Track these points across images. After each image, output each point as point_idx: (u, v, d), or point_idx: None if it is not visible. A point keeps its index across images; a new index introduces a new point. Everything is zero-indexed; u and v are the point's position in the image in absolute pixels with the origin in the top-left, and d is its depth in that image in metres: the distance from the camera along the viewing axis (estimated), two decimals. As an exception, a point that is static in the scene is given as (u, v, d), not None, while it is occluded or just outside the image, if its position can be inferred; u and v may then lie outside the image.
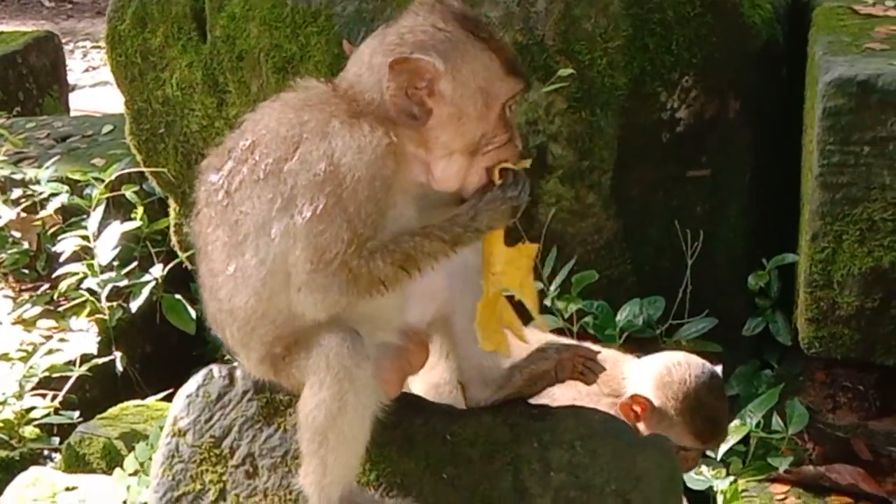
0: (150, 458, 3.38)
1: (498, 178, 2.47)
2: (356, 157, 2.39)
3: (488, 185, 2.49)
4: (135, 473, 3.35)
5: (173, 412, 2.60)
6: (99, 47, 11.71)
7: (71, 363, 4.72)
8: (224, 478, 2.51)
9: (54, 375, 4.60)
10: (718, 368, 3.38)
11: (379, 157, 2.40)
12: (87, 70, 10.95)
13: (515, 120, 2.58)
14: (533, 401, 2.70)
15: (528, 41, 4.22)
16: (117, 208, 5.41)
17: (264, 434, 2.55)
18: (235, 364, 2.68)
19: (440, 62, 2.40)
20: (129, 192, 5.27)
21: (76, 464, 4.09)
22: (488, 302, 2.49)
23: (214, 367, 2.64)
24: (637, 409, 3.24)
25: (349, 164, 2.39)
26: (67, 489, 3.57)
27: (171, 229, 5.40)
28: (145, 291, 5.17)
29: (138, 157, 5.26)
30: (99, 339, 5.08)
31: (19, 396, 4.42)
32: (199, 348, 5.50)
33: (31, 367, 4.52)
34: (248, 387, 2.60)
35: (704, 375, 3.29)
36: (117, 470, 3.43)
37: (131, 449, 4.03)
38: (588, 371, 2.65)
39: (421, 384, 3.03)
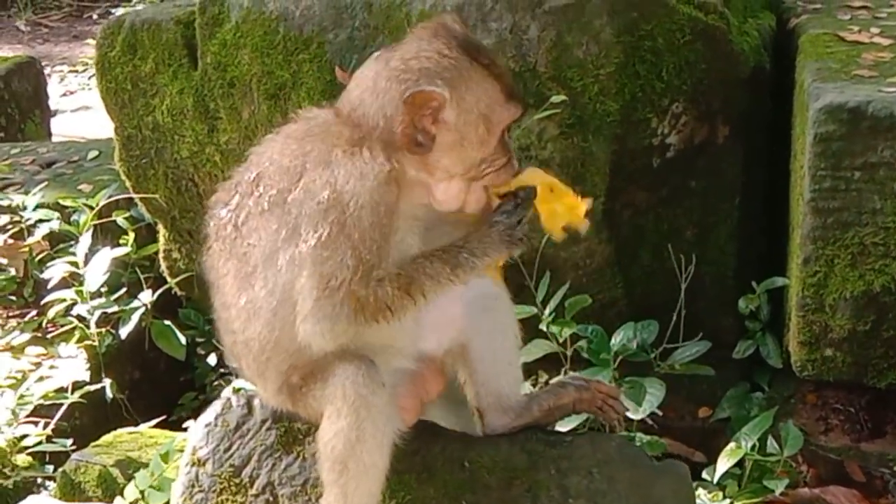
0: (151, 487, 3.38)
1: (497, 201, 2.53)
2: (358, 184, 2.42)
3: (488, 208, 2.53)
4: (135, 501, 3.34)
5: (192, 442, 2.60)
6: (76, 71, 11.69)
7: (63, 390, 4.70)
8: (244, 507, 2.52)
9: (46, 403, 4.57)
10: None
11: (381, 184, 2.43)
12: (64, 94, 10.91)
13: (512, 143, 2.64)
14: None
15: (520, 68, 4.26)
16: (105, 234, 5.41)
17: (283, 463, 2.56)
18: (252, 393, 2.68)
19: (447, 91, 2.44)
20: (119, 218, 5.27)
21: (71, 492, 4.06)
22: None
23: (233, 397, 2.65)
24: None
25: (352, 191, 2.42)
26: (65, 518, 3.55)
27: (160, 255, 5.40)
28: (135, 317, 5.15)
29: (127, 183, 5.26)
30: (88, 365, 5.06)
31: (13, 424, 4.38)
32: (188, 374, 5.50)
33: (24, 395, 4.49)
34: (267, 416, 2.60)
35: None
36: (118, 499, 3.41)
37: (127, 476, 4.02)
38: (609, 409, 2.69)
39: None
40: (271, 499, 2.53)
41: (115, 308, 5.19)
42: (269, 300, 2.50)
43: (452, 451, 2.57)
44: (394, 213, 2.45)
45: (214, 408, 2.64)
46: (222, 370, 5.21)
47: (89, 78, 11.44)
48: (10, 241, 5.55)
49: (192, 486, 2.54)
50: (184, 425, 4.56)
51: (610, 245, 4.44)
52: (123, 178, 5.26)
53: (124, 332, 5.14)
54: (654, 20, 4.21)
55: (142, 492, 3.36)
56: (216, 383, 5.30)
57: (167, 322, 5.22)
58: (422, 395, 2.61)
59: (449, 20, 2.57)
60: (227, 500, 2.52)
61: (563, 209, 2.68)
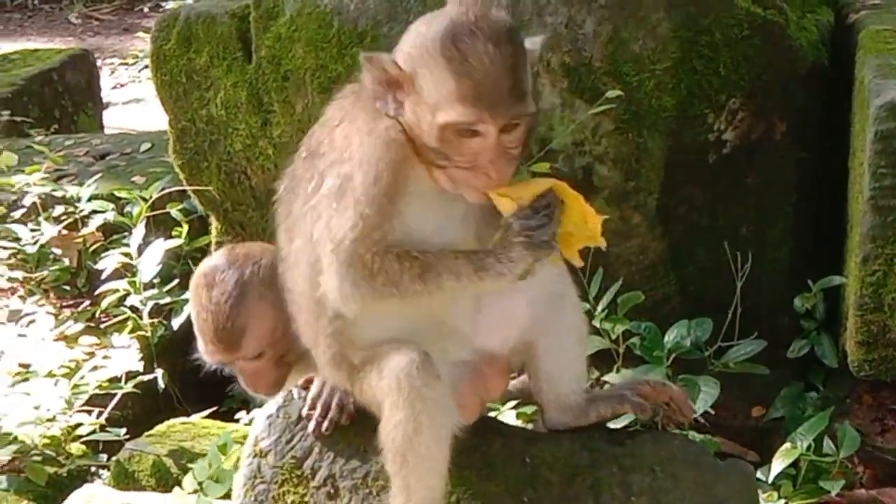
0: (209, 478, 3.40)
1: (507, 209, 2.42)
2: (366, 140, 2.46)
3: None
4: (194, 492, 3.36)
5: (254, 433, 2.61)
6: (126, 64, 11.79)
7: (116, 380, 4.75)
8: (306, 499, 2.52)
9: (100, 392, 4.62)
10: None
11: (385, 142, 2.44)
12: (115, 87, 11.01)
13: (502, 152, 2.45)
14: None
15: (575, 63, 4.24)
16: (157, 226, 5.45)
17: (345, 455, 2.57)
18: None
19: (399, 66, 2.43)
20: (174, 210, 5.30)
21: (125, 481, 4.10)
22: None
23: (294, 389, 2.66)
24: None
25: (359, 144, 2.46)
26: (121, 507, 3.58)
27: (212, 247, 5.43)
28: (187, 308, 5.18)
29: (181, 176, 5.29)
30: (141, 355, 5.11)
31: (69, 412, 4.43)
32: (238, 366, 5.53)
33: (79, 384, 4.54)
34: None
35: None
36: (176, 489, 3.43)
37: (180, 467, 4.06)
38: (677, 412, 2.66)
39: None
40: (332, 491, 2.54)
41: (168, 299, 5.24)
42: (304, 250, 2.54)
43: (513, 446, 2.56)
44: (398, 176, 2.43)
45: (276, 399, 2.65)
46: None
47: (139, 70, 11.54)
48: (65, 231, 5.61)
49: (254, 476, 2.55)
50: (235, 416, 4.61)
51: (664, 241, 4.42)
52: (177, 170, 5.31)
53: (176, 322, 5.18)
54: (712, 15, 4.17)
55: (200, 483, 3.38)
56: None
57: (218, 313, 5.24)
58: (482, 394, 2.60)
59: (493, 9, 2.49)
60: (289, 491, 2.53)
61: (578, 231, 2.52)
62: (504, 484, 2.51)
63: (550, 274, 2.57)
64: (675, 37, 4.18)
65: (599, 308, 4.24)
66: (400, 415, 2.44)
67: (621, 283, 4.28)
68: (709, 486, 2.48)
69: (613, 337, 4.22)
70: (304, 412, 2.66)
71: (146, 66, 11.34)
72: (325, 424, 2.61)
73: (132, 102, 10.36)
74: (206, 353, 3.13)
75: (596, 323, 4.18)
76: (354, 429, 2.59)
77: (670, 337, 4.20)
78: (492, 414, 3.25)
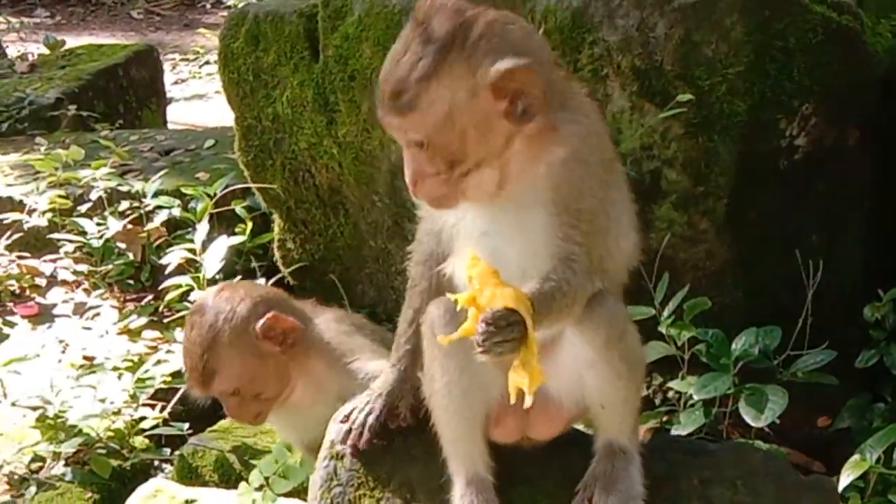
0: (275, 473, 3.42)
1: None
2: None
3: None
4: (260, 488, 3.38)
5: (330, 436, 2.61)
6: (187, 60, 11.90)
7: (179, 374, 4.78)
8: (381, 503, 2.52)
9: (164, 387, 4.66)
10: None
11: None
12: (176, 82, 11.12)
13: (407, 161, 2.43)
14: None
15: (646, 66, 4.20)
16: (220, 222, 5.48)
17: (421, 462, 2.56)
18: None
19: None
20: (238, 207, 5.33)
21: (188, 475, 4.13)
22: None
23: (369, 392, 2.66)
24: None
25: None
26: (187, 502, 3.61)
27: (275, 244, 5.46)
28: (248, 306, 5.20)
29: (246, 173, 5.33)
30: (203, 351, 5.14)
31: (134, 406, 4.47)
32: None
33: (143, 378, 4.58)
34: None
35: None
36: (242, 484, 3.45)
37: (243, 462, 4.08)
38: None
39: None
40: (409, 496, 2.53)
41: (230, 295, 5.25)
42: None
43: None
44: None
45: (354, 403, 2.65)
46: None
47: (200, 66, 11.65)
48: (130, 226, 5.66)
49: (331, 479, 2.55)
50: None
51: (732, 247, 4.36)
52: (241, 167, 5.34)
53: (238, 319, 5.18)
54: (787, 19, 4.11)
55: (266, 478, 3.40)
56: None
57: (279, 311, 5.26)
58: (524, 427, 2.55)
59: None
60: (365, 494, 2.53)
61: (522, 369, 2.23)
62: (583, 494, 2.49)
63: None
64: (748, 41, 4.12)
65: (665, 313, 4.20)
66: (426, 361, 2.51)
67: (688, 288, 4.23)
68: (791, 502, 2.43)
69: (679, 343, 4.18)
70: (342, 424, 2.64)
71: (207, 62, 11.49)
72: (364, 438, 2.58)
73: (194, 98, 10.47)
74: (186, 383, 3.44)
75: (662, 329, 4.14)
76: (433, 436, 2.57)
77: (738, 345, 4.15)
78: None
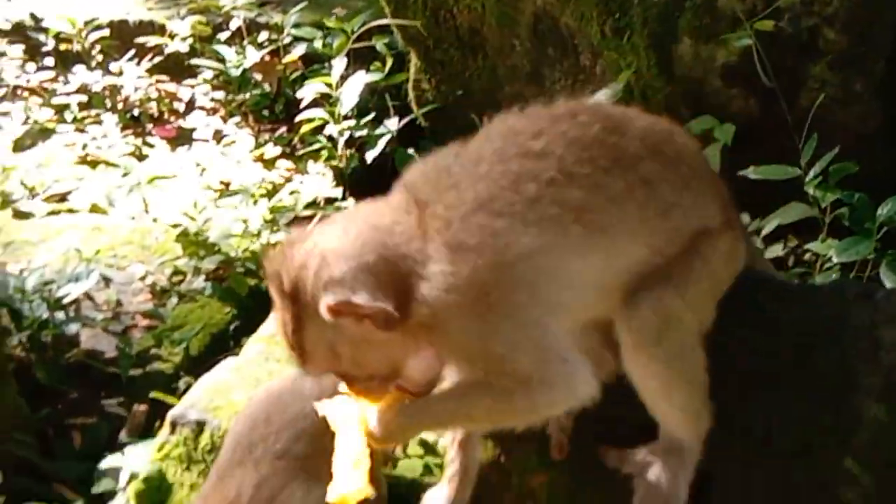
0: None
1: None
2: None
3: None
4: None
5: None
6: None
7: (314, 204, 4.88)
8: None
9: (302, 214, 4.75)
10: None
11: None
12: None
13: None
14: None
15: None
16: (356, 59, 5.48)
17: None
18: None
19: None
20: (379, 44, 5.32)
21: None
22: None
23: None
24: None
25: None
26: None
27: (409, 84, 5.45)
28: (381, 143, 5.23)
29: (386, 10, 5.28)
30: (334, 184, 5.22)
31: (272, 230, 4.58)
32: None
33: (279, 207, 4.67)
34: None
35: None
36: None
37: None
38: None
39: None
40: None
41: (363, 132, 5.27)
42: None
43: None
44: None
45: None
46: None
47: None
48: (267, 57, 5.70)
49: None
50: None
51: (886, 112, 4.23)
52: (383, 3, 5.29)
53: (370, 156, 5.22)
54: None
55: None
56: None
57: (410, 150, 5.28)
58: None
59: None
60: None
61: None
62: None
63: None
64: None
65: (811, 175, 4.10)
66: None
67: (837, 150, 4.13)
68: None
69: (822, 206, 4.10)
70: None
71: None
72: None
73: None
74: None
75: (808, 189, 4.06)
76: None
77: (883, 210, 4.03)
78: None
